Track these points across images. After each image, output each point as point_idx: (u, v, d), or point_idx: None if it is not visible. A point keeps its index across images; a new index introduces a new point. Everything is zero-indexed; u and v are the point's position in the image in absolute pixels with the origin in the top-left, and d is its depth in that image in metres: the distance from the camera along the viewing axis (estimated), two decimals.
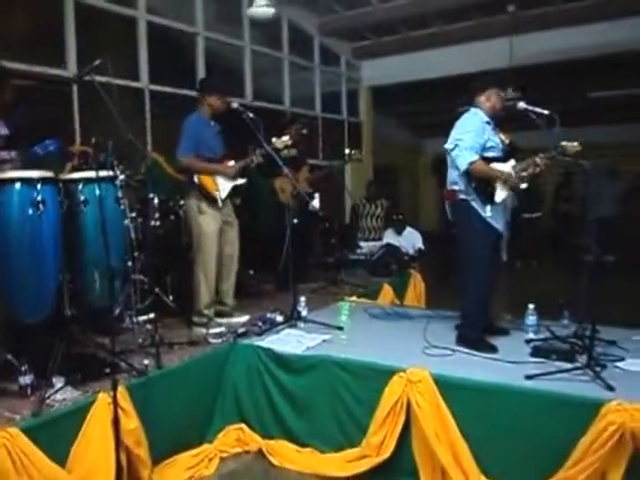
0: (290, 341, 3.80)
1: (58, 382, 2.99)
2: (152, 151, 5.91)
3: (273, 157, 4.20)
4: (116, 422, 2.83)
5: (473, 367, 3.27)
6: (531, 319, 3.83)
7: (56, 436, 2.74)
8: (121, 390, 2.93)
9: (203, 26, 7.12)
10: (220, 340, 3.82)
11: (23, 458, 2.50)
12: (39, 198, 2.80)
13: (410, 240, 7.20)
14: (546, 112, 3.38)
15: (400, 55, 9.80)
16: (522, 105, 3.49)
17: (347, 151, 10.31)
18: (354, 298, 5.10)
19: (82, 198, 2.99)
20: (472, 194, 3.58)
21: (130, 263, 3.55)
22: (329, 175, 6.59)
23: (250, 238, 5.65)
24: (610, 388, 2.83)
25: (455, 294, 3.89)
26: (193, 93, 6.86)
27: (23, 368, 2.97)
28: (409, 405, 3.11)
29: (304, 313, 4.24)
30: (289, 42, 8.74)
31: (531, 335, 3.72)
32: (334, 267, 6.64)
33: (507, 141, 3.74)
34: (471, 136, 3.56)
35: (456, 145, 3.59)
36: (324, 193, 7.34)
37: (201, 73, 7.11)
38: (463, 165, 3.54)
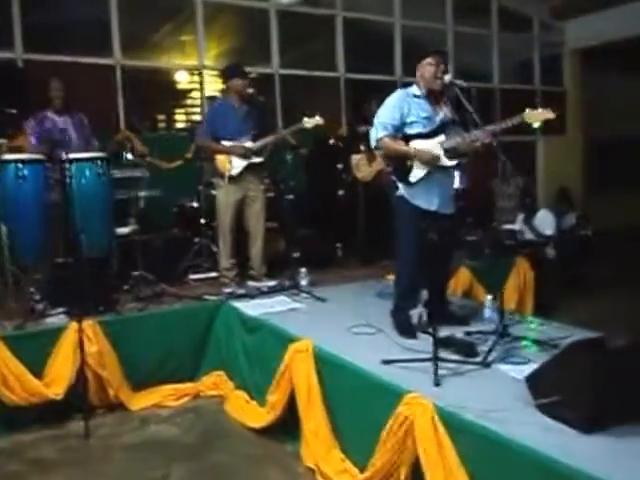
0: (265, 305, 4.21)
1: (58, 311, 4.00)
2: None
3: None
4: (81, 345, 3.70)
5: (372, 347, 3.30)
6: (487, 311, 3.61)
7: (32, 348, 3.69)
8: (91, 322, 3.81)
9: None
10: (214, 297, 4.43)
11: None
12: (21, 174, 3.90)
13: (541, 224, 6.64)
14: (465, 84, 3.19)
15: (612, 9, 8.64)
16: (447, 78, 3.29)
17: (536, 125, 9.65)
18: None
19: (69, 174, 3.90)
20: (393, 172, 3.50)
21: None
22: None
23: (327, 213, 6.08)
24: (437, 383, 2.71)
25: None
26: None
27: (37, 297, 4.05)
28: None
29: (303, 283, 4.60)
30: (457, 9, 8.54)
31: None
32: None
33: (449, 115, 3.47)
34: (383, 112, 3.49)
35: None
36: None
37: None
38: (372, 142, 3.52)
